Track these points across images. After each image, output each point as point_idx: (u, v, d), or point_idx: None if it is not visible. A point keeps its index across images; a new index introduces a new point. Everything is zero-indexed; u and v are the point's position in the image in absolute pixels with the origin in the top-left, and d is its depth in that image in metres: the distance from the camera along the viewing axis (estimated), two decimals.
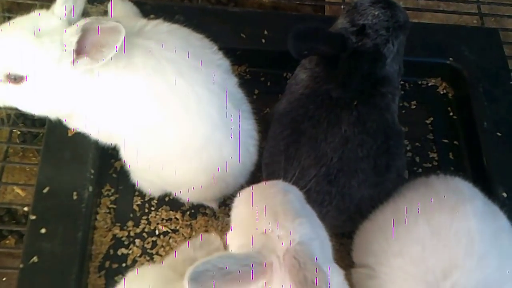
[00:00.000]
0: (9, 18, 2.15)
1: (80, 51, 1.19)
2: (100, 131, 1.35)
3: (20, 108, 1.27)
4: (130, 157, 1.38)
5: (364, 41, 1.34)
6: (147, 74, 1.23)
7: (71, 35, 1.17)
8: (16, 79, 1.18)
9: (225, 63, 1.39)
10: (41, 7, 1.80)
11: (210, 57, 1.35)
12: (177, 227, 1.50)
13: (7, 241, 1.73)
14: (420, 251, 1.16)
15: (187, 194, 1.46)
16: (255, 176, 1.49)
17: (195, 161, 1.33)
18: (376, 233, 1.28)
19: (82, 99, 1.25)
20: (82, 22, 1.16)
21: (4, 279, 1.60)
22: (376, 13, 1.36)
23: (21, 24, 1.19)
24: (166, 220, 1.51)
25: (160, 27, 1.31)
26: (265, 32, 1.75)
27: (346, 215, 1.36)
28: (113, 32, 1.14)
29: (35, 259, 1.34)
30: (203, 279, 0.87)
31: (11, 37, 1.17)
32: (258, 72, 1.78)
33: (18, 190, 1.75)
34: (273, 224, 0.99)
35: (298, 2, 2.18)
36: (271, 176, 1.42)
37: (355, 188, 1.32)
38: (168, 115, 1.27)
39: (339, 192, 1.33)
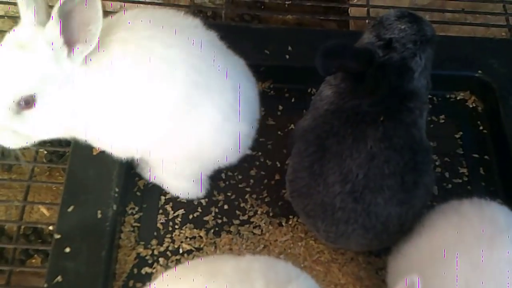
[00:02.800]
0: None
1: (69, 40, 1.14)
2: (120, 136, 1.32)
3: (36, 135, 1.25)
4: (167, 154, 1.39)
5: (391, 55, 1.32)
6: (135, 61, 1.21)
7: (52, 29, 1.12)
8: (27, 102, 1.16)
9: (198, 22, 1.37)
10: None
11: (183, 23, 1.34)
12: (201, 245, 1.49)
13: (33, 260, 1.74)
14: (464, 286, 1.11)
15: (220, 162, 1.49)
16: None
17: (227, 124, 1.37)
18: (411, 269, 1.23)
19: (90, 104, 1.22)
20: (55, 10, 1.10)
21: None
22: (403, 27, 1.34)
23: (2, 47, 1.17)
24: (190, 239, 1.50)
25: (122, 17, 1.29)
26: (289, 48, 1.74)
27: (372, 233, 1.33)
28: (89, 4, 1.10)
29: (59, 278, 1.34)
30: None
31: (2, 62, 1.14)
32: (282, 88, 1.77)
33: (43, 209, 1.76)
34: None
35: (322, 18, 2.18)
36: (295, 193, 1.40)
37: (382, 205, 1.29)
38: (179, 93, 1.27)
39: (365, 209, 1.29)
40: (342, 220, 1.31)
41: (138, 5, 1.93)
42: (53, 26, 1.12)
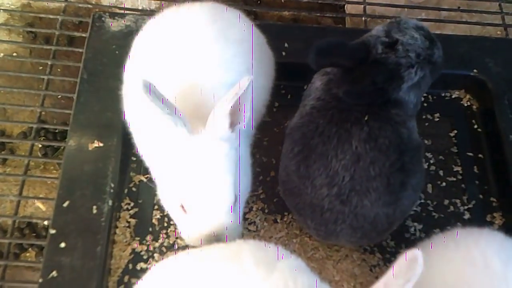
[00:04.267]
0: (31, 33, 2.22)
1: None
2: None
3: None
4: None
5: (389, 55, 1.30)
6: None
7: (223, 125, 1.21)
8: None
9: None
10: (62, 23, 1.85)
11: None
12: None
13: (28, 254, 1.74)
14: None
15: None
16: None
17: None
18: None
19: None
20: (219, 112, 1.18)
21: None
22: (416, 36, 1.32)
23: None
24: None
25: None
26: (285, 45, 1.74)
27: (360, 232, 1.33)
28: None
29: (54, 273, 1.34)
30: None
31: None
32: (278, 85, 1.75)
33: (38, 203, 1.76)
34: None
35: (318, 15, 2.18)
36: (287, 192, 1.42)
37: (368, 207, 1.29)
38: None
39: (352, 211, 1.29)
40: (330, 221, 1.32)
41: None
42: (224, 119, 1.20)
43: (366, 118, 1.29)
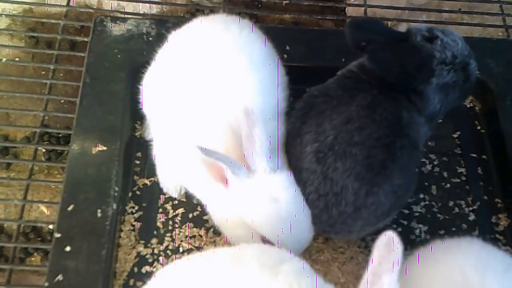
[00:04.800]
0: (33, 38, 2.22)
1: None
2: None
3: None
4: None
5: (425, 45, 1.30)
6: None
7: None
8: None
9: None
10: (64, 27, 1.85)
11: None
12: (201, 244, 1.49)
13: (33, 258, 1.74)
14: None
15: None
16: None
17: None
18: None
19: None
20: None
21: None
22: (458, 41, 1.34)
23: None
24: (190, 237, 1.50)
25: None
26: (287, 48, 1.74)
27: (323, 202, 1.29)
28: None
29: (60, 277, 1.34)
30: None
31: None
32: None
33: (43, 207, 1.76)
34: None
35: (319, 17, 2.18)
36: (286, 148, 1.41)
37: (340, 172, 1.25)
38: None
39: (323, 172, 1.26)
40: (301, 182, 1.30)
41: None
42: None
43: (375, 92, 1.29)
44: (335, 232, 1.38)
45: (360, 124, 1.25)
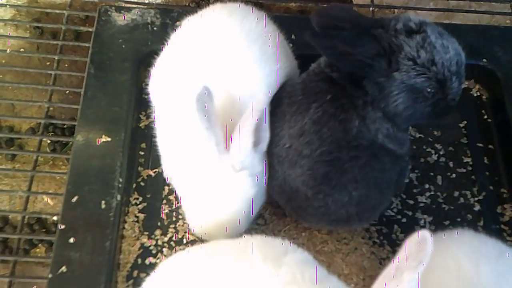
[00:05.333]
0: (38, 28, 2.22)
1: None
2: None
3: None
4: None
5: (396, 35, 1.21)
6: None
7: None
8: None
9: None
10: (69, 17, 1.85)
11: None
12: None
13: (38, 250, 1.75)
14: None
15: None
16: None
17: None
18: None
19: None
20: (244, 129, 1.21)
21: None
22: (447, 44, 1.22)
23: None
24: None
25: None
26: (293, 37, 1.73)
27: (285, 197, 1.38)
28: None
29: (63, 269, 1.34)
30: None
31: None
32: None
33: (47, 199, 1.77)
34: None
35: (325, 6, 2.16)
36: None
37: (292, 178, 1.33)
38: None
39: (282, 174, 1.34)
40: (271, 174, 1.36)
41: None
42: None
43: (328, 97, 1.28)
44: (316, 222, 1.43)
45: (309, 139, 1.28)
